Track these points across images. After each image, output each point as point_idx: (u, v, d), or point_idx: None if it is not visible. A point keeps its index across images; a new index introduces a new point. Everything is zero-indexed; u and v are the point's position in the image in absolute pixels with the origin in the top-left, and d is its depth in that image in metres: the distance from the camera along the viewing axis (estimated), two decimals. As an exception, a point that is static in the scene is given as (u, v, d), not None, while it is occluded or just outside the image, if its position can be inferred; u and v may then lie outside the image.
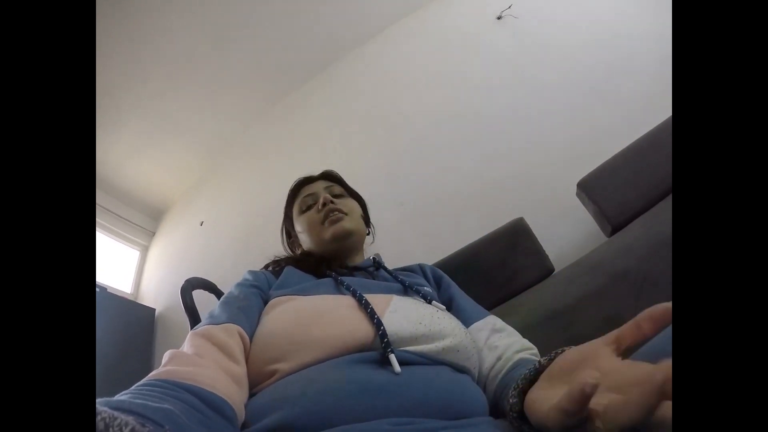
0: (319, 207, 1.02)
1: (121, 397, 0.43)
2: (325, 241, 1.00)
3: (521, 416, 0.49)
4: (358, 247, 1.06)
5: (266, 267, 1.01)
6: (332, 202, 1.03)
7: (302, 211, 1.07)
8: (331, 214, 1.01)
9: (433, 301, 0.80)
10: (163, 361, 0.57)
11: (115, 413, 0.33)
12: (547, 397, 0.43)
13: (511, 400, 0.50)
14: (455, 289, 1.00)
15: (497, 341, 0.80)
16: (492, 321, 0.86)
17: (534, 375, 0.50)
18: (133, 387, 0.48)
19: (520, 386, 0.50)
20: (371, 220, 1.19)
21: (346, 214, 1.02)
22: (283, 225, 1.17)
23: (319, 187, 1.09)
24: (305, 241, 1.05)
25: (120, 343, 2.91)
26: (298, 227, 1.07)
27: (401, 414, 0.54)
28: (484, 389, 0.75)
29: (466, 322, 0.85)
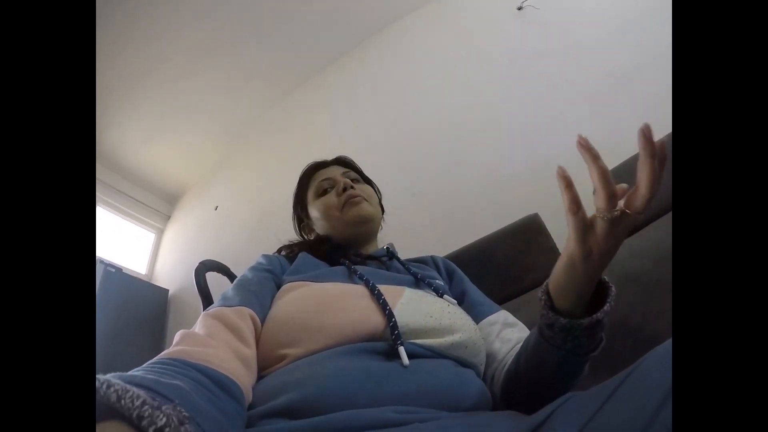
0: (339, 191, 1.01)
1: (134, 372, 0.44)
2: (344, 224, 0.99)
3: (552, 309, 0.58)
4: (374, 234, 1.06)
5: (280, 251, 1.02)
6: (352, 187, 1.01)
7: (319, 195, 1.05)
8: (351, 199, 1.00)
9: (445, 295, 0.81)
10: (175, 340, 0.58)
11: (128, 386, 0.34)
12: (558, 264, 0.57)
13: (542, 297, 0.60)
14: (468, 283, 1.00)
15: (510, 335, 0.81)
16: (504, 315, 0.87)
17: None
18: (145, 364, 0.49)
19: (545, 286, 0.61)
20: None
21: (365, 199, 1.02)
22: (294, 209, 1.15)
23: (336, 172, 1.08)
24: (321, 226, 1.04)
25: (133, 322, 2.99)
26: (314, 212, 1.05)
27: (405, 402, 0.55)
28: (494, 380, 0.77)
29: (479, 315, 0.86)
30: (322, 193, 1.05)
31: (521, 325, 0.85)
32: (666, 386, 0.35)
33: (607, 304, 0.57)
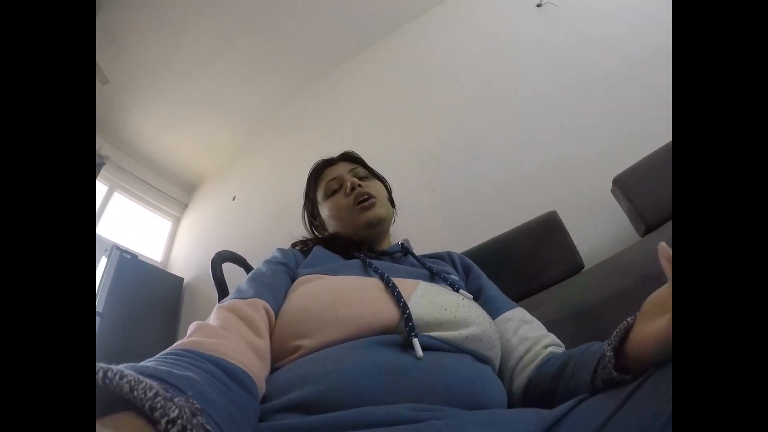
0: (347, 191, 1.01)
1: (147, 363, 0.44)
2: (358, 226, 0.99)
3: (616, 367, 0.50)
4: (386, 232, 1.06)
5: (295, 245, 1.02)
6: (360, 185, 1.01)
7: (328, 196, 1.05)
8: (362, 199, 0.99)
9: (461, 290, 0.80)
10: (189, 331, 0.58)
11: (140, 377, 0.34)
12: (652, 328, 0.47)
13: (607, 353, 0.52)
14: (485, 279, 0.99)
15: (528, 332, 0.80)
16: (521, 313, 0.86)
17: (622, 333, 0.53)
18: (158, 355, 0.49)
19: (614, 342, 0.53)
20: (395, 201, 1.17)
21: (375, 198, 1.01)
22: (304, 208, 1.15)
23: (343, 169, 1.07)
24: (333, 225, 1.04)
25: (148, 309, 3.03)
26: (325, 212, 1.06)
27: (421, 399, 0.55)
28: (511, 378, 0.76)
29: (495, 312, 0.85)
30: (332, 193, 1.05)
31: (537, 322, 0.85)
32: None
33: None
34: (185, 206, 4.07)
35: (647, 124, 1.84)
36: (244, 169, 3.70)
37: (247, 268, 1.35)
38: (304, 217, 1.16)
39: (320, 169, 1.12)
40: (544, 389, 0.68)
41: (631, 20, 2.18)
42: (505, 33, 2.63)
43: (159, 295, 3.22)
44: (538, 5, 2.50)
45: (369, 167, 1.14)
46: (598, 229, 1.60)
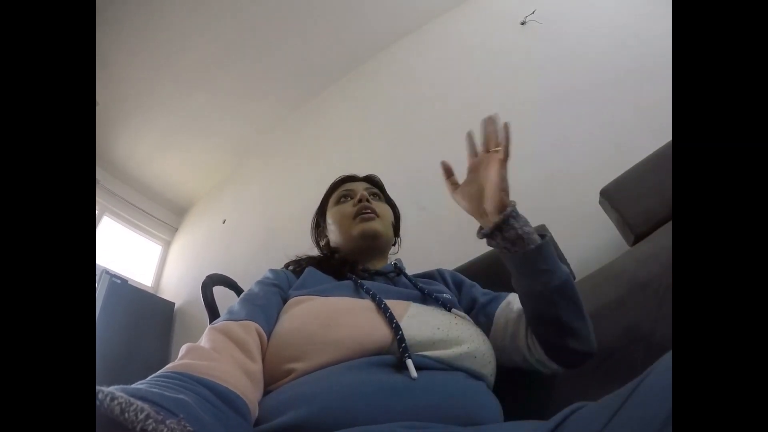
0: (355, 202, 1.04)
1: (138, 385, 0.44)
2: (352, 236, 1.01)
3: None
4: (383, 252, 1.07)
5: (287, 266, 1.02)
6: (368, 200, 1.05)
7: (337, 203, 1.10)
8: (364, 211, 1.02)
9: (453, 309, 0.81)
10: (180, 353, 0.58)
11: (132, 399, 0.34)
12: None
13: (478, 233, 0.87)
14: (477, 288, 1.00)
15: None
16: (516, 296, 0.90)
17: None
18: (149, 377, 0.49)
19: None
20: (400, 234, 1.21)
21: (378, 215, 1.04)
22: (315, 215, 1.19)
23: (360, 186, 1.12)
24: (333, 232, 1.07)
25: (139, 334, 2.98)
26: (330, 217, 1.09)
27: (415, 417, 0.55)
28: (526, 336, 0.81)
29: (495, 304, 0.90)
30: (341, 201, 1.09)
31: None
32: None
33: (509, 207, 0.80)
34: (175, 230, 4.04)
35: (631, 136, 1.87)
36: (234, 192, 3.69)
37: (238, 290, 1.34)
38: (312, 222, 1.21)
39: (341, 181, 1.17)
40: (532, 320, 0.80)
41: (613, 35, 2.24)
42: (491, 51, 2.68)
43: (150, 321, 3.17)
44: (522, 23, 2.56)
45: (386, 193, 1.20)
46: (588, 240, 1.61)
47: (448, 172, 0.94)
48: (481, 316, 0.89)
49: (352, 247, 1.02)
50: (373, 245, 1.03)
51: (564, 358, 0.79)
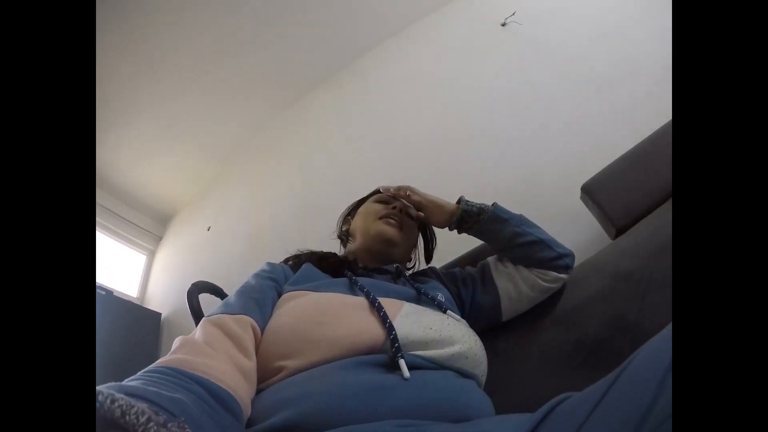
0: (389, 206, 1.08)
1: (133, 382, 0.43)
2: (369, 233, 1.04)
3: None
4: (389, 261, 1.07)
5: (287, 261, 1.03)
6: (401, 211, 1.07)
7: (375, 200, 1.13)
8: (391, 217, 1.04)
9: (449, 311, 0.81)
10: (174, 346, 0.57)
11: (132, 401, 0.33)
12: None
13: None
14: (468, 270, 1.08)
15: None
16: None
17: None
18: (142, 372, 0.48)
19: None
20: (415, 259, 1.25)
21: (401, 228, 1.06)
22: (353, 204, 1.24)
23: (402, 203, 1.11)
24: (356, 222, 1.11)
25: (125, 347, 2.91)
26: (362, 209, 1.13)
27: (405, 416, 0.55)
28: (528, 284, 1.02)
29: (488, 272, 1.06)
30: (378, 201, 1.12)
31: None
32: (659, 378, 0.35)
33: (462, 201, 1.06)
34: (159, 239, 3.99)
35: (610, 133, 1.90)
36: (218, 198, 3.65)
37: (224, 297, 1.33)
38: (347, 209, 1.26)
39: (393, 195, 1.15)
40: (522, 255, 1.03)
41: (591, 36, 2.28)
42: (472, 52, 2.70)
43: (137, 332, 3.10)
44: (503, 24, 2.58)
45: (424, 221, 1.19)
46: (571, 236, 1.60)
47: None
48: (484, 289, 1.04)
49: (366, 244, 1.04)
50: (384, 250, 1.04)
51: (556, 264, 1.01)
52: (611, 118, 1.97)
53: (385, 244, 1.03)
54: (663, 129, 1.42)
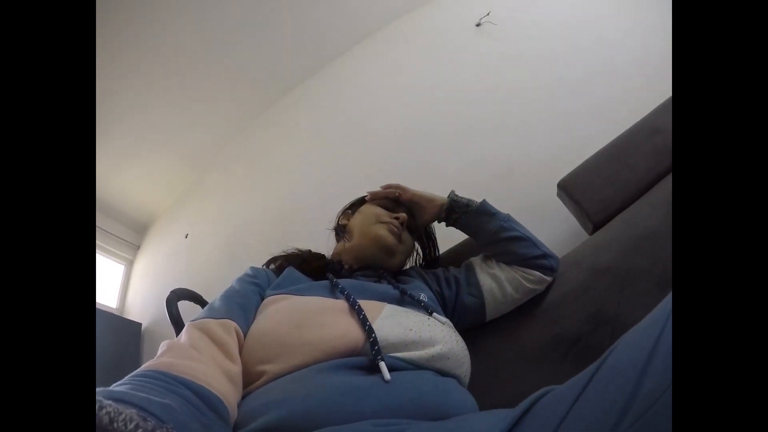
0: (392, 215, 1.06)
1: (121, 387, 0.43)
2: (368, 235, 1.02)
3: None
4: (378, 268, 1.06)
5: (268, 264, 1.02)
6: (402, 223, 1.06)
7: (378, 205, 1.10)
8: (395, 225, 1.03)
9: (434, 314, 0.81)
10: (160, 351, 0.57)
11: (120, 408, 0.33)
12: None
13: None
14: (452, 270, 1.08)
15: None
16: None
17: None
18: (129, 376, 0.48)
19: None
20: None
21: (401, 242, 1.05)
22: (354, 201, 1.21)
23: (405, 216, 1.10)
24: (355, 224, 1.08)
25: (106, 358, 2.85)
26: (363, 209, 1.11)
27: (386, 417, 0.55)
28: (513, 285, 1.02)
29: (472, 272, 1.06)
30: (384, 207, 1.10)
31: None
32: (640, 365, 0.36)
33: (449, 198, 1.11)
34: (137, 248, 3.92)
35: (585, 130, 1.93)
36: (195, 206, 3.60)
37: (203, 304, 1.31)
38: (347, 204, 1.23)
39: (399, 202, 1.14)
40: (505, 252, 1.05)
41: (566, 36, 2.32)
42: (447, 53, 2.71)
43: (117, 344, 3.04)
44: (477, 24, 2.60)
45: (428, 240, 1.25)
46: (548, 233, 1.62)
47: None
48: (468, 288, 1.04)
49: (362, 245, 1.03)
50: (379, 256, 1.03)
51: (540, 263, 1.02)
52: (586, 116, 2.00)
53: (383, 250, 1.02)
54: (637, 125, 1.44)
